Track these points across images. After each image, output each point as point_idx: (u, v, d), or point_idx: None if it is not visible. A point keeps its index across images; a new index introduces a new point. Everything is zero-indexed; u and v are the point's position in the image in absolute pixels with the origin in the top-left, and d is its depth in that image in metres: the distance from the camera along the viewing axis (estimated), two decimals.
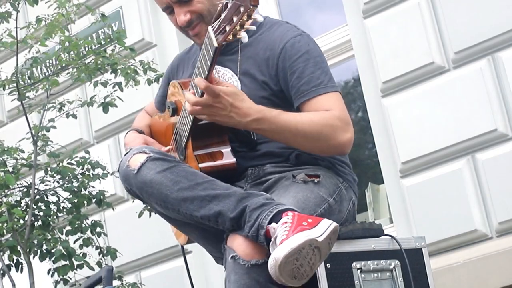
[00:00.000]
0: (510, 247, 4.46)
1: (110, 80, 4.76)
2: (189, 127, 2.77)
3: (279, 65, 2.79)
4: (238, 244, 2.55)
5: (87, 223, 4.72)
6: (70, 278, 4.69)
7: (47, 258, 4.59)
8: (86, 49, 4.79)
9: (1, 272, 4.63)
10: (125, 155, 2.75)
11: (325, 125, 2.69)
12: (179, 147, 2.90)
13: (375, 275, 2.72)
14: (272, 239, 2.46)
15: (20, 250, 4.49)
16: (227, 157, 2.77)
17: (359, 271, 2.69)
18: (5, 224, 4.41)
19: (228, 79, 2.84)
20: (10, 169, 4.66)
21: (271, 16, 3.42)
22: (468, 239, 4.66)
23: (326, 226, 2.46)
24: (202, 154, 2.77)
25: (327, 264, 2.63)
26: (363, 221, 2.84)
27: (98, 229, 4.75)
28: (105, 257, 4.78)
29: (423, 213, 4.79)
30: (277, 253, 2.39)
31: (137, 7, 6.09)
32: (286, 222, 2.44)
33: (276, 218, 2.48)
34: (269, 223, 2.48)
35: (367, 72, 5.12)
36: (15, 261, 4.61)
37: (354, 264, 2.69)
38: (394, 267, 2.75)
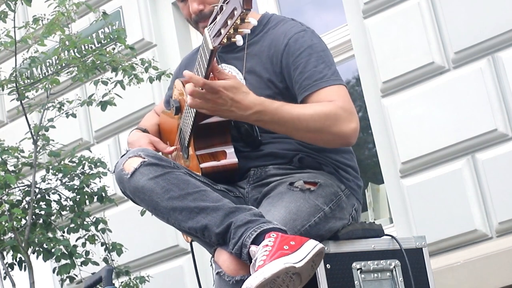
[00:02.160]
0: (510, 247, 4.46)
1: (111, 78, 4.76)
2: (191, 126, 2.76)
3: (283, 62, 2.77)
4: (223, 260, 2.54)
5: (90, 220, 4.72)
6: (76, 276, 4.69)
7: (51, 258, 4.58)
8: (86, 47, 4.78)
9: (4, 272, 4.62)
10: (121, 156, 2.73)
11: (328, 115, 2.64)
12: (182, 146, 2.88)
13: (375, 275, 2.72)
14: (253, 261, 2.43)
15: (21, 249, 4.49)
16: (230, 157, 2.75)
17: (359, 271, 2.68)
18: (6, 224, 4.40)
19: None
20: (11, 169, 4.66)
21: None
22: (468, 239, 4.66)
23: (309, 249, 2.41)
24: (204, 154, 2.75)
25: (327, 265, 2.62)
26: (363, 222, 2.83)
27: (101, 226, 4.75)
28: (111, 253, 4.78)
29: (423, 213, 4.78)
30: (250, 282, 2.35)
31: (137, 7, 6.08)
32: (267, 245, 2.41)
33: (259, 238, 2.45)
34: (253, 242, 2.45)
35: (367, 72, 5.12)
36: (18, 259, 4.61)
37: (354, 264, 2.69)
38: (394, 267, 2.75)
